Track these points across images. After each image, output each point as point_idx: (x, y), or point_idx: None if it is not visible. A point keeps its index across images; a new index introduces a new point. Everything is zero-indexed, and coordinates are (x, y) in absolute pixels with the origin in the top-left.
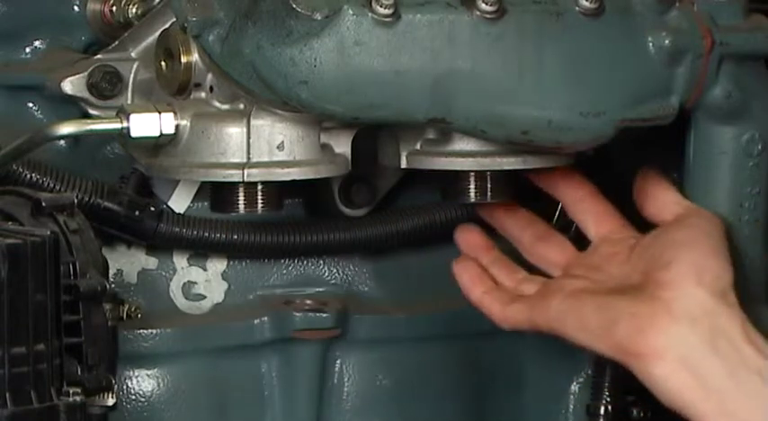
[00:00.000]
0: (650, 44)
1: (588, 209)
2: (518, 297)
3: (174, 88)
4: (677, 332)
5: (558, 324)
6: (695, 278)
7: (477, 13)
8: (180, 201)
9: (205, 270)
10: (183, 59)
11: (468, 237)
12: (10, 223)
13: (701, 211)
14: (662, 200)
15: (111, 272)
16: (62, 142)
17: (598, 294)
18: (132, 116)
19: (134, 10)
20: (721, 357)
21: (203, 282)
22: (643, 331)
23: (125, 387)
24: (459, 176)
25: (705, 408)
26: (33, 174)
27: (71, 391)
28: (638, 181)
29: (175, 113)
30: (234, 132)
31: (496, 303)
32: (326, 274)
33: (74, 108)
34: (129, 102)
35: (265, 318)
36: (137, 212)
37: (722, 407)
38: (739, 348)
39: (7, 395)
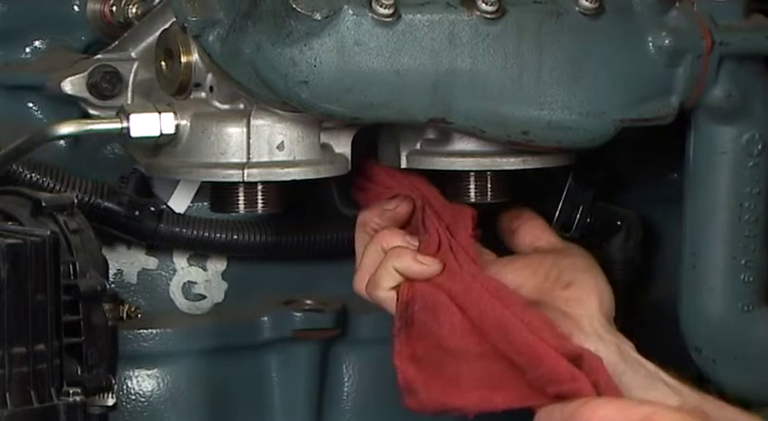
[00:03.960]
0: (650, 44)
1: None
2: None
3: (174, 88)
4: (590, 347)
5: None
6: (597, 301)
7: (477, 13)
8: (180, 201)
9: (205, 270)
10: (183, 59)
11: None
12: (10, 223)
13: (573, 244)
14: (539, 229)
15: (111, 272)
16: (62, 142)
17: None
18: (132, 116)
19: (134, 10)
20: (633, 369)
21: (203, 282)
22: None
23: (125, 387)
24: (459, 176)
25: None
26: (33, 174)
27: (71, 391)
28: (508, 214)
29: (175, 113)
30: (234, 132)
31: None
32: (326, 275)
33: (74, 108)
34: (129, 102)
35: (265, 318)
36: (137, 212)
37: None
38: (644, 363)
39: (7, 395)
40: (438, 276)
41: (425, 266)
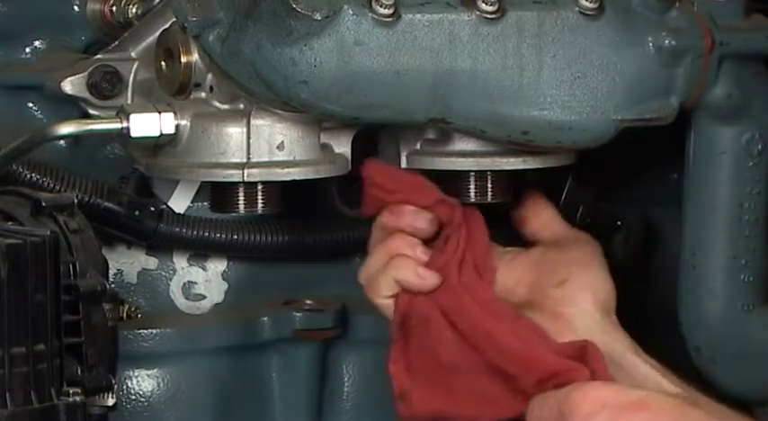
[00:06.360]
0: (650, 44)
1: None
2: None
3: (174, 88)
4: None
5: None
6: (591, 297)
7: (477, 12)
8: (180, 201)
9: (205, 270)
10: (183, 59)
11: None
12: (10, 223)
13: (581, 233)
14: (544, 218)
15: (111, 272)
16: (62, 142)
17: None
18: (132, 116)
19: (134, 10)
20: (617, 372)
21: (203, 282)
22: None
23: (125, 387)
24: (459, 176)
25: None
26: (33, 174)
27: (71, 391)
28: (523, 199)
29: (175, 113)
30: (234, 132)
31: None
32: (326, 275)
33: (74, 108)
34: (129, 102)
35: (265, 318)
36: (137, 212)
37: None
38: (635, 364)
39: (7, 395)
40: (435, 290)
41: (422, 281)
